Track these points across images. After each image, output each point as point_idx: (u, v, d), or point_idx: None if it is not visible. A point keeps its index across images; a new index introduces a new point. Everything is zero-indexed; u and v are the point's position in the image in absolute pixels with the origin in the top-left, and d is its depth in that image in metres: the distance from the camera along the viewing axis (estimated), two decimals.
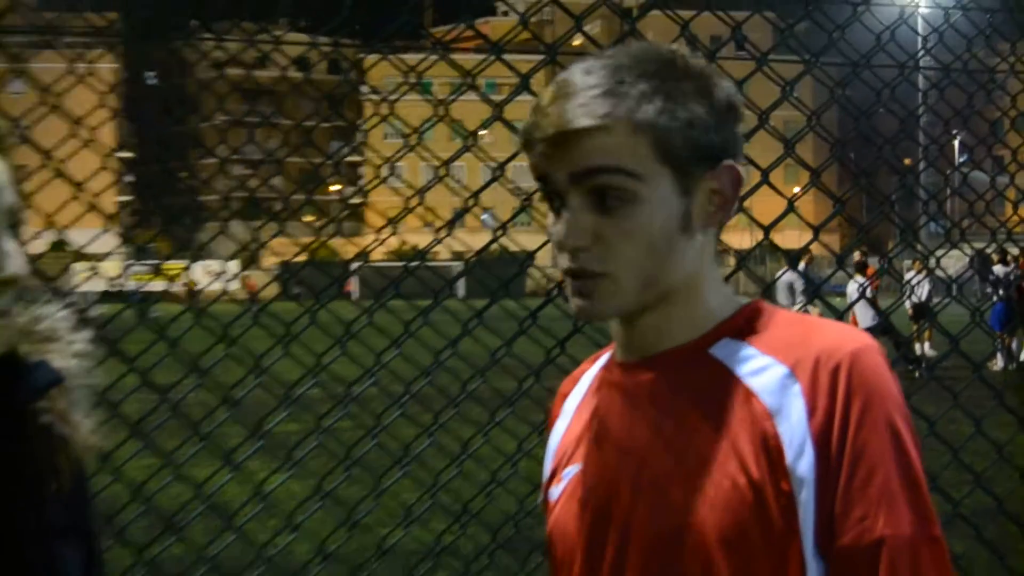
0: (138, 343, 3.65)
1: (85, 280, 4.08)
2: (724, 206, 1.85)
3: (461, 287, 5.67)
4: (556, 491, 2.01)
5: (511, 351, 3.95)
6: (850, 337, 1.79)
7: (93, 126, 3.49)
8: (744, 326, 1.87)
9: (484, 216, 4.09)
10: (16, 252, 1.65)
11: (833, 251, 4.06)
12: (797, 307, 17.91)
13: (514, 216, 3.85)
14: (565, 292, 1.85)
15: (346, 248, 4.76)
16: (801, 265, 18.03)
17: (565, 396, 2.16)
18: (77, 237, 3.74)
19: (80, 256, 3.85)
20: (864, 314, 18.98)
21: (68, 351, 1.85)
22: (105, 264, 3.94)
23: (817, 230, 3.95)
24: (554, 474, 2.05)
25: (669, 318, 1.86)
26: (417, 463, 4.05)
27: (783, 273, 15.57)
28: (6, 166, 1.67)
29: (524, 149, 1.83)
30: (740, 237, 4.71)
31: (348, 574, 4.01)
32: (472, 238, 4.47)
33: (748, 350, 1.82)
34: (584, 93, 1.76)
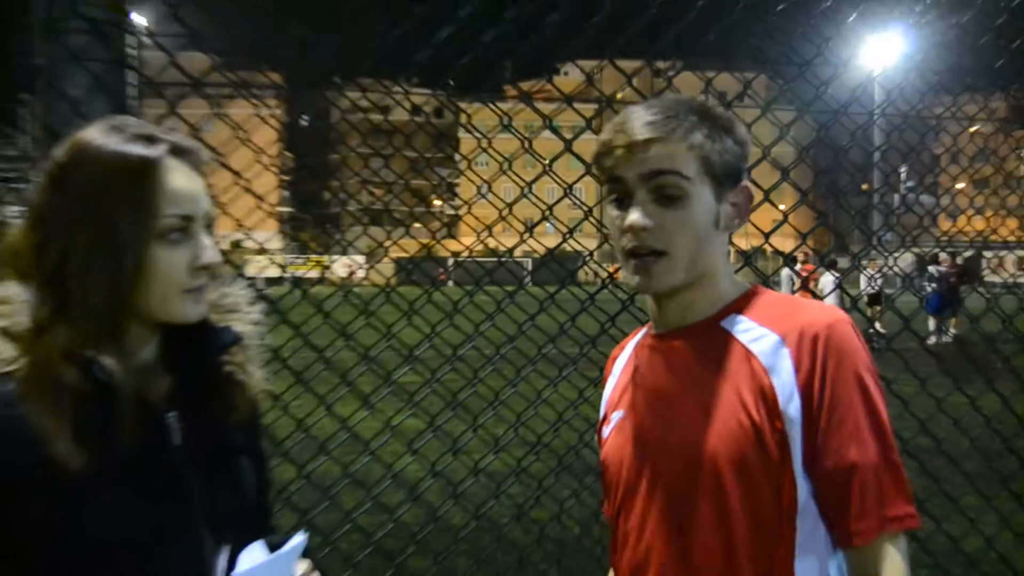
0: (301, 315, 3.67)
1: (261, 269, 4.12)
2: (739, 215, 1.90)
3: (528, 277, 5.67)
4: (606, 430, 2.05)
5: (575, 324, 3.92)
6: (826, 313, 1.82)
7: (270, 156, 3.52)
8: (747, 305, 1.90)
9: (548, 225, 4.07)
10: (212, 245, 1.67)
11: (818, 252, 4.00)
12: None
13: (578, 224, 3.86)
14: (625, 272, 1.87)
15: (442, 248, 4.78)
16: (797, 265, 17.99)
17: (614, 360, 2.19)
18: (257, 237, 3.77)
19: (257, 251, 3.87)
20: (833, 300, 18.77)
21: (246, 319, 1.88)
22: (275, 257, 3.96)
23: (805, 236, 3.90)
24: (605, 417, 2.09)
25: (694, 299, 1.89)
26: (504, 406, 4.04)
27: (780, 269, 15.66)
28: (205, 183, 1.70)
29: (599, 160, 1.86)
30: (738, 241, 4.65)
31: (452, 488, 3.99)
32: (535, 241, 4.45)
33: (750, 323, 1.85)
34: (651, 117, 1.80)
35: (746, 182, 1.88)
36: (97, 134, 1.63)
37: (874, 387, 1.77)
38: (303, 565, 1.74)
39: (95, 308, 1.56)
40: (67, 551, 1.52)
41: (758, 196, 3.70)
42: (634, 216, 1.79)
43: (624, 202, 1.83)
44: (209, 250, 1.66)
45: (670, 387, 1.89)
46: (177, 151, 1.65)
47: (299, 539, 1.67)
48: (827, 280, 19.23)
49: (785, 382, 1.74)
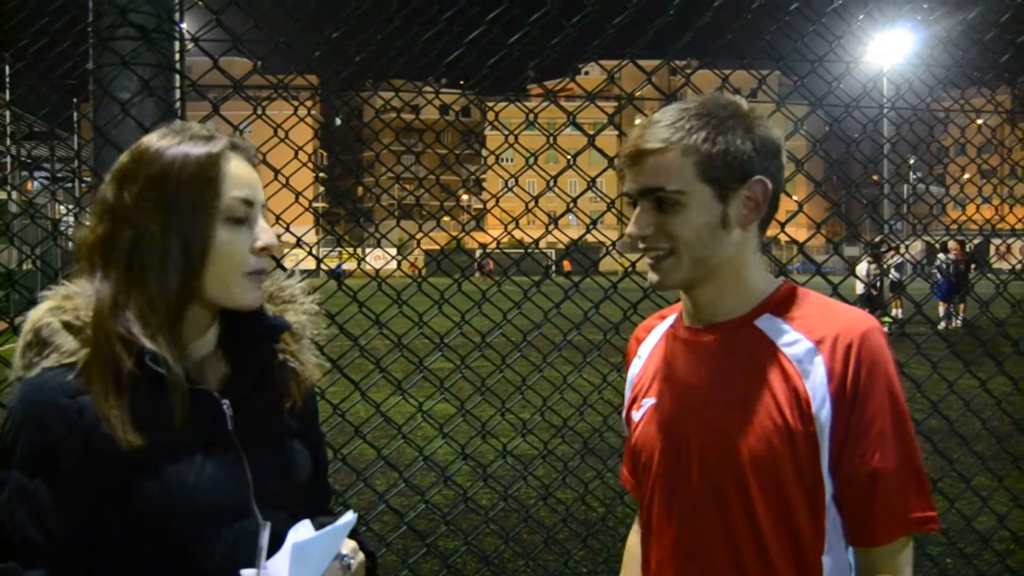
0: (335, 305, 3.69)
1: (300, 261, 4.15)
2: (756, 209, 1.86)
3: (552, 266, 5.66)
4: (637, 415, 2.04)
5: (599, 311, 3.93)
6: (860, 320, 1.81)
7: (306, 154, 3.55)
8: (781, 304, 1.89)
9: (571, 217, 4.07)
10: (268, 229, 1.70)
11: (832, 241, 3.99)
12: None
13: (600, 216, 3.87)
14: (641, 268, 1.92)
15: (471, 240, 4.80)
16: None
17: (640, 340, 2.17)
18: (296, 230, 3.80)
19: (296, 244, 3.89)
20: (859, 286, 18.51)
21: (300, 309, 1.91)
22: (312, 250, 3.99)
23: (819, 225, 3.89)
24: (634, 400, 2.07)
25: (721, 294, 1.89)
26: (531, 391, 4.05)
27: (794, 258, 15.41)
28: (256, 174, 1.75)
29: (617, 165, 1.89)
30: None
31: (482, 470, 4.01)
32: (558, 233, 4.44)
33: (784, 326, 1.85)
34: (652, 130, 1.81)
35: (760, 176, 1.82)
36: (158, 137, 1.68)
37: (901, 395, 1.78)
38: (349, 544, 1.75)
39: (165, 290, 1.60)
40: (127, 528, 1.56)
41: None
42: (632, 226, 1.84)
43: (635, 208, 1.86)
44: (268, 232, 1.70)
45: (703, 382, 1.89)
46: (235, 146, 1.71)
47: (348, 517, 1.68)
48: (863, 269, 18.94)
49: (818, 388, 1.75)
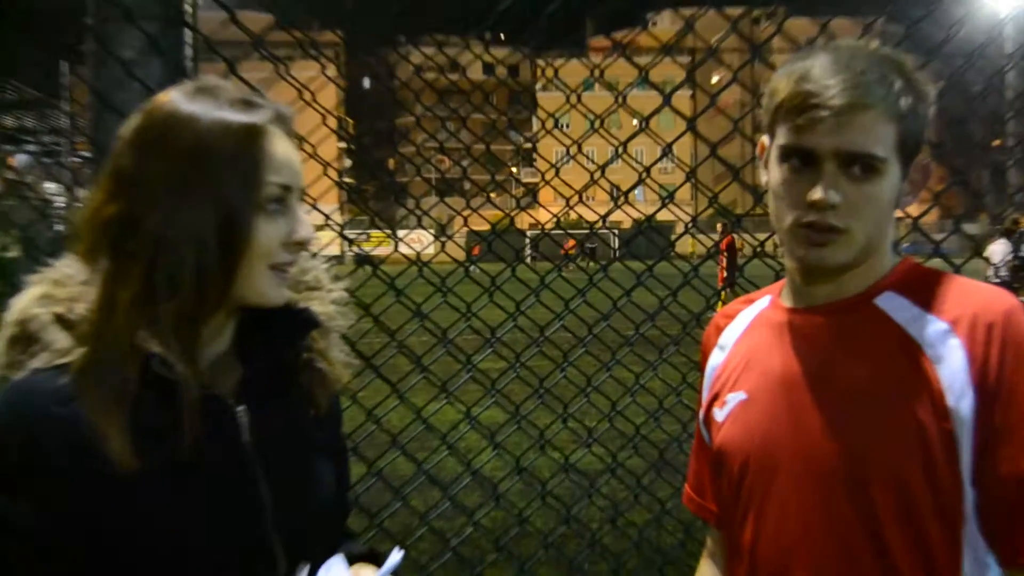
0: (369, 295, 3.71)
1: (326, 245, 4.20)
2: (912, 192, 1.86)
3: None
4: (721, 413, 2.00)
5: (676, 299, 3.92)
6: (1000, 298, 1.77)
7: (334, 119, 3.60)
8: (904, 282, 1.86)
9: (636, 191, 4.07)
10: (307, 221, 1.69)
11: (952, 216, 3.93)
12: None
13: (680, 186, 3.87)
14: (792, 243, 1.83)
15: (526, 218, 4.81)
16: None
17: (720, 329, 2.14)
18: (322, 209, 3.84)
19: (324, 224, 3.93)
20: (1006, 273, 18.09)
21: (328, 298, 1.88)
22: (341, 230, 4.03)
23: (938, 196, 3.85)
24: (715, 397, 2.04)
25: (852, 275, 1.86)
26: (597, 393, 4.07)
27: (907, 235, 15.20)
28: (297, 154, 1.72)
29: (780, 113, 1.81)
30: None
31: (539, 487, 4.04)
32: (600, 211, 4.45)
33: (910, 305, 1.81)
34: (853, 77, 1.74)
35: (927, 158, 1.83)
36: (187, 97, 1.62)
37: None
38: None
39: (199, 291, 1.57)
40: (121, 562, 1.54)
41: None
42: (823, 193, 1.75)
43: (803, 169, 1.79)
44: (307, 225, 1.68)
45: (809, 372, 1.85)
46: (279, 118, 1.68)
47: (396, 558, 1.68)
48: (997, 248, 18.54)
49: (956, 375, 1.70)
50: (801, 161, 1.78)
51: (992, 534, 1.72)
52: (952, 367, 1.70)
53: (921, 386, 1.71)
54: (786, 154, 1.81)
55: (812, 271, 1.86)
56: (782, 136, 1.81)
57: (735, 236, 19.82)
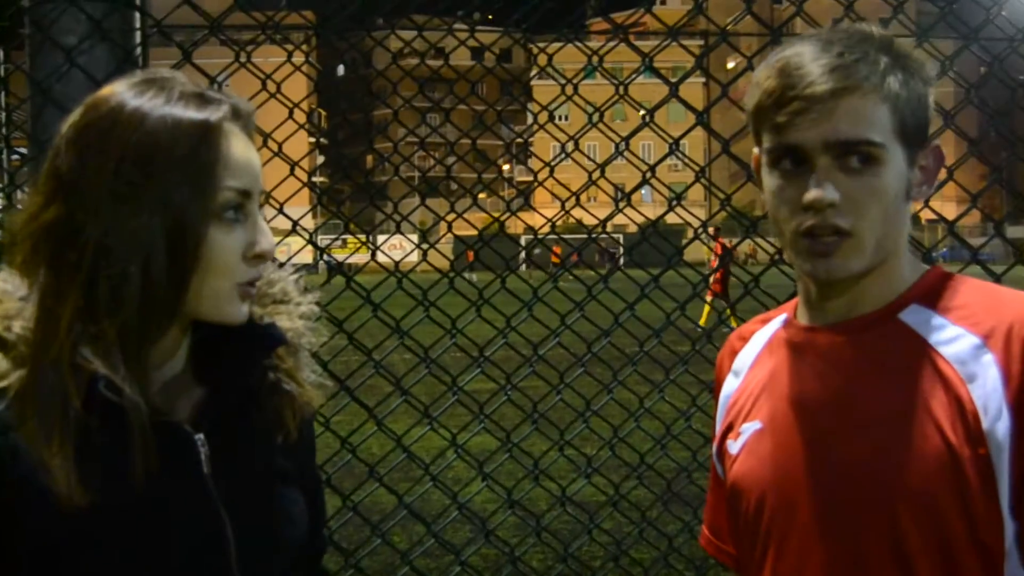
0: (343, 309, 3.69)
1: (295, 253, 4.16)
2: (927, 181, 1.83)
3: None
4: (735, 445, 1.98)
5: (684, 313, 3.90)
6: None
7: (304, 112, 3.56)
8: (931, 293, 1.84)
9: (644, 191, 4.05)
10: (267, 231, 1.67)
11: (992, 218, 3.90)
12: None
13: (689, 186, 3.83)
14: (796, 255, 1.80)
15: (518, 222, 4.79)
16: None
17: (735, 352, 2.13)
18: (289, 213, 3.80)
19: (291, 230, 3.89)
20: None
21: (296, 312, 1.87)
22: (309, 238, 4.00)
23: (976, 197, 3.81)
24: (730, 428, 2.02)
25: (870, 285, 1.83)
26: (597, 418, 4.04)
27: (941, 240, 15.35)
28: (257, 154, 1.70)
29: (761, 115, 1.80)
30: None
31: (534, 522, 4.01)
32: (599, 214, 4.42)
33: (938, 319, 1.79)
34: (834, 59, 1.73)
35: (937, 141, 1.81)
36: (133, 91, 1.61)
37: None
38: None
39: (145, 305, 1.55)
40: None
41: None
42: (818, 191, 1.72)
43: (795, 171, 1.76)
44: (267, 235, 1.66)
45: (830, 397, 1.82)
46: (236, 114, 1.66)
47: None
48: None
49: (990, 396, 1.67)
50: (792, 162, 1.76)
51: None
52: (986, 386, 1.68)
53: (953, 407, 1.68)
54: (775, 158, 1.79)
55: (824, 285, 1.84)
56: (767, 139, 1.79)
57: (725, 242, 19.84)
